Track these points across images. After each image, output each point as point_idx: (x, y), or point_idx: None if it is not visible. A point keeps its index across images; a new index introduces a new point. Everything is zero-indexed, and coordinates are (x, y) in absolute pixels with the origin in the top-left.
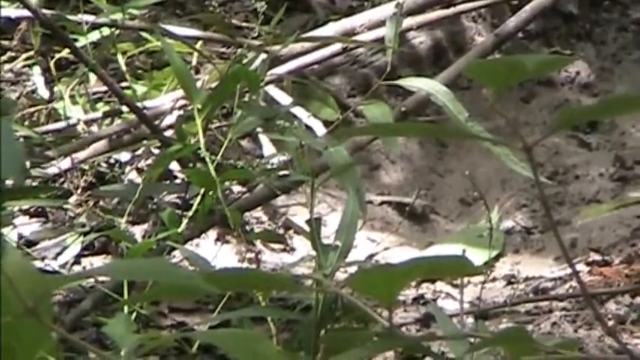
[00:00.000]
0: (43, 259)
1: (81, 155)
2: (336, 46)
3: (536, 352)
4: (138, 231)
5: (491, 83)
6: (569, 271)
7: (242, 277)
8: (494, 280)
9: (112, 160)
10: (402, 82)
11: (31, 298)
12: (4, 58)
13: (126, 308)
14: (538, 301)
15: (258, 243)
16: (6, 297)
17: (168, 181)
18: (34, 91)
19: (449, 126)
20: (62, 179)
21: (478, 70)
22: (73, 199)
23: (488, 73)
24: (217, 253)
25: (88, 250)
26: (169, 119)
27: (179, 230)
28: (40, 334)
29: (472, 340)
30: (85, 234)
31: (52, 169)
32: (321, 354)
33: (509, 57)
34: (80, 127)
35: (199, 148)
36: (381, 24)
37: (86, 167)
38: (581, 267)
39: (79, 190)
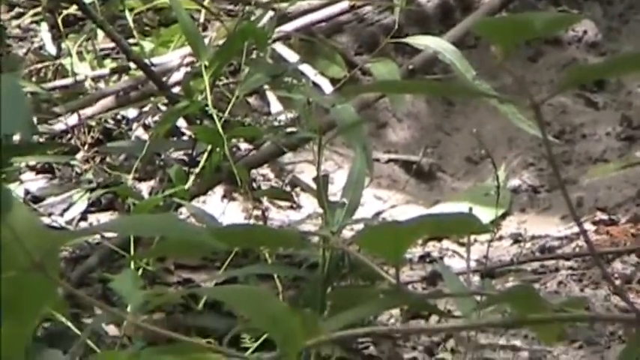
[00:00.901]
0: (49, 215)
1: (88, 112)
2: (344, 4)
3: (543, 310)
4: (145, 187)
5: (499, 41)
6: (575, 230)
7: (249, 234)
8: (500, 238)
9: (119, 117)
10: (409, 40)
11: (38, 254)
12: (11, 14)
13: (132, 265)
14: (544, 259)
15: (264, 200)
16: (11, 251)
17: (175, 138)
18: (41, 48)
19: (456, 84)
20: (69, 135)
21: (486, 28)
22: (79, 156)
23: (497, 31)
24: (224, 210)
25: (95, 206)
26: (176, 76)
27: (186, 187)
28: (46, 289)
29: (479, 298)
30: (92, 190)
31: (59, 126)
32: (328, 311)
33: (517, 15)
34: (87, 84)
35: (207, 105)
36: None
37: (93, 124)
38: (587, 226)
39: (86, 147)
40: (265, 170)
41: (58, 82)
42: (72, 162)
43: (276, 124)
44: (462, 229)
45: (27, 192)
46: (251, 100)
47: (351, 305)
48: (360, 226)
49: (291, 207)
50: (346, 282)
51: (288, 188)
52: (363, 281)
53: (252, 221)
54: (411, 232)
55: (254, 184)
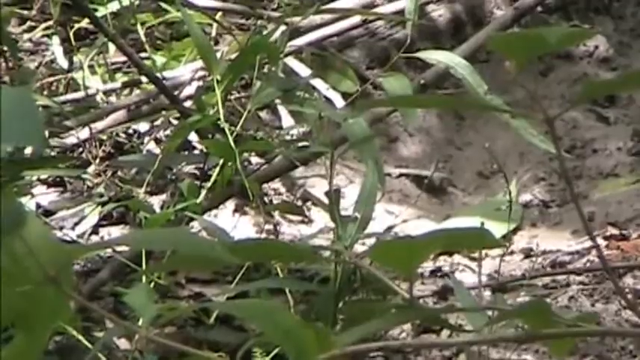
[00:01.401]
0: (61, 228)
1: (99, 125)
2: (356, 19)
3: (556, 325)
4: (156, 201)
5: (513, 56)
6: (586, 244)
7: (262, 248)
8: (511, 253)
9: (130, 131)
10: (421, 54)
11: (52, 267)
12: (23, 27)
13: (144, 278)
14: (556, 274)
15: (276, 214)
16: (24, 265)
17: (186, 152)
18: (53, 61)
19: (468, 98)
20: (81, 149)
21: (500, 43)
22: (91, 169)
23: (511, 46)
24: (235, 224)
25: (106, 220)
26: (188, 90)
27: (198, 201)
28: (60, 303)
29: (491, 312)
30: (104, 204)
31: (70, 139)
32: (340, 325)
33: (531, 30)
34: (99, 97)
35: (218, 119)
36: None
37: (105, 137)
38: (598, 241)
39: (98, 160)
40: (277, 184)
41: (70, 96)
42: (83, 176)
43: (287, 138)
44: (475, 244)
45: (38, 205)
46: (262, 114)
47: (363, 319)
48: (371, 241)
49: (303, 221)
50: (357, 296)
51: (299, 202)
52: (375, 296)
53: (263, 235)
54: (424, 246)
55: (265, 199)
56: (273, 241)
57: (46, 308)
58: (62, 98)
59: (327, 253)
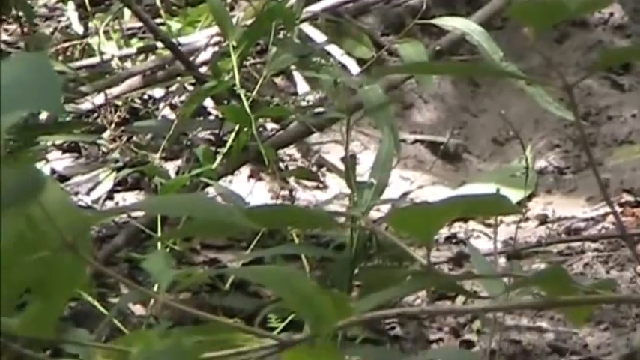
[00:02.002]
0: (76, 194)
1: (115, 91)
2: None
3: (574, 291)
4: (171, 167)
5: (531, 23)
6: (601, 211)
7: (278, 214)
8: (526, 220)
9: (145, 96)
10: (436, 21)
11: (70, 233)
12: None
13: (159, 244)
14: (571, 241)
15: (291, 180)
16: (42, 230)
17: (202, 118)
18: (68, 27)
19: (485, 65)
20: (96, 115)
21: (519, 10)
22: (106, 135)
23: (529, 13)
24: (251, 190)
25: (121, 185)
26: (204, 56)
27: (213, 167)
28: (78, 269)
29: (506, 279)
30: (119, 169)
31: (85, 105)
32: (358, 291)
33: None
34: (114, 63)
35: (234, 85)
36: None
37: (120, 103)
38: None
39: (113, 126)
40: (292, 150)
41: (85, 62)
42: (98, 141)
43: (303, 104)
44: (492, 210)
45: (53, 171)
46: (278, 80)
47: (380, 286)
48: (387, 207)
49: (318, 187)
50: (373, 263)
51: (314, 168)
52: (391, 262)
53: (279, 201)
54: (442, 212)
55: (281, 165)
56: (288, 207)
57: (64, 274)
58: (77, 64)
59: (342, 219)
